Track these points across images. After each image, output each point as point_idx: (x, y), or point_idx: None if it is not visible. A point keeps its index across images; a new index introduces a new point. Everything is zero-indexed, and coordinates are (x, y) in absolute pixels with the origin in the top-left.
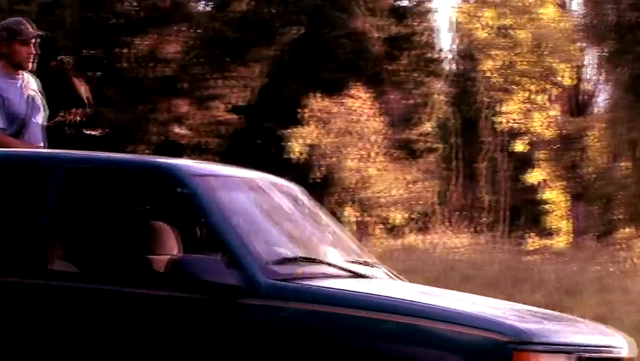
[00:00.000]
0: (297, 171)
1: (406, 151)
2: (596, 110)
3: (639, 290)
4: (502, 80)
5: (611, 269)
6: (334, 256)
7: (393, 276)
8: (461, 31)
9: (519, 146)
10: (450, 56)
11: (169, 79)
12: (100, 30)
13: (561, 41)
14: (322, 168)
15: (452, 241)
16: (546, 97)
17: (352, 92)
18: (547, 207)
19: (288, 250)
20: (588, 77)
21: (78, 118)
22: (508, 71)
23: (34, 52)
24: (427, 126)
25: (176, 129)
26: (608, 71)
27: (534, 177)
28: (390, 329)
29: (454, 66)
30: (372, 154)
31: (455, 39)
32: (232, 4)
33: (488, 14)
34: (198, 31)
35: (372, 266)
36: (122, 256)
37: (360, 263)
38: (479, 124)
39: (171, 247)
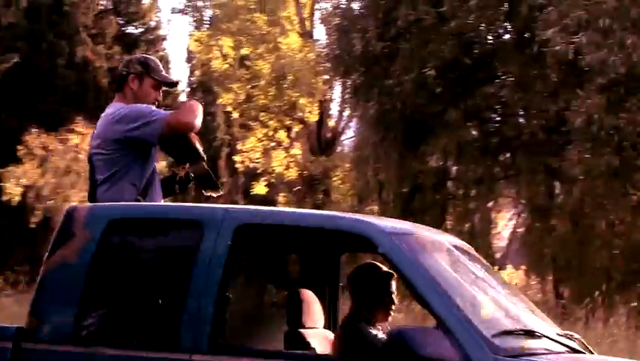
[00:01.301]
0: (13, 216)
1: None
2: (341, 149)
3: None
4: (241, 115)
5: None
6: (542, 326)
7: (591, 349)
8: (197, 61)
9: (259, 188)
10: (187, 89)
11: None
12: None
13: (304, 73)
14: (39, 212)
15: None
16: (288, 134)
17: (75, 127)
18: None
19: (498, 320)
20: (333, 112)
21: (192, 173)
22: (246, 106)
23: (160, 100)
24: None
25: None
26: (354, 106)
27: None
28: None
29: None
30: None
31: (191, 70)
32: None
33: (225, 43)
34: None
35: (570, 337)
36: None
37: (562, 334)
38: (217, 163)
39: (319, 318)
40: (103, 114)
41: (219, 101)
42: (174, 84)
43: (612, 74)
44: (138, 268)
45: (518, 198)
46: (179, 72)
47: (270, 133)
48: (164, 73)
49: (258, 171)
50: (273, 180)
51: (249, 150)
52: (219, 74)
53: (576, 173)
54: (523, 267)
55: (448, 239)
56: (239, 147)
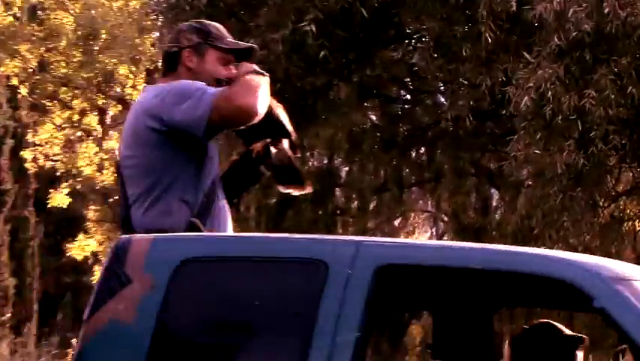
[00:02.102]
0: None
1: None
2: None
3: None
4: (33, 91)
5: None
6: None
7: None
8: None
9: (59, 197)
10: None
11: None
12: None
13: (125, 30)
14: None
15: None
16: (101, 119)
17: None
18: None
19: None
20: None
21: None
22: (40, 77)
23: (234, 76)
24: None
25: None
26: None
27: (84, 247)
28: None
29: None
30: None
31: None
32: None
33: None
34: None
35: None
36: None
37: None
38: None
39: None
40: (135, 102)
41: (0, 70)
42: (250, 52)
43: (574, 33)
44: (227, 330)
45: (438, 212)
46: None
47: (75, 117)
48: (231, 39)
49: (58, 173)
50: (79, 187)
51: (45, 143)
52: (1, 32)
53: (521, 176)
54: None
55: None
56: (29, 137)
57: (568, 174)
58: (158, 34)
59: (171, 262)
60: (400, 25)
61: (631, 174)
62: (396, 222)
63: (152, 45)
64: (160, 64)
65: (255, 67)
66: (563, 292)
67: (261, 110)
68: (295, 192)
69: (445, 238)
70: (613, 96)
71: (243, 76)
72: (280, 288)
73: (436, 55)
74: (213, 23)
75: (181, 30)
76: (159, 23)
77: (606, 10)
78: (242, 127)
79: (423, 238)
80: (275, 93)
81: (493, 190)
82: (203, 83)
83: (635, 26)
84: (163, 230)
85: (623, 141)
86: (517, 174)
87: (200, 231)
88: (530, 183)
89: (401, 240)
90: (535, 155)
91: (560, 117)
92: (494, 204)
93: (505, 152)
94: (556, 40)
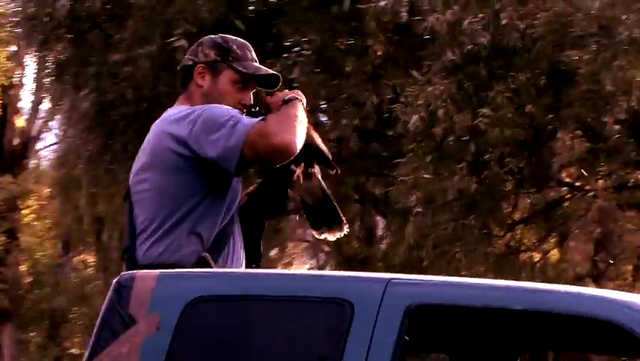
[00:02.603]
0: None
1: None
2: (36, 163)
3: None
4: None
5: None
6: None
7: None
8: None
9: None
10: None
11: None
12: None
13: None
14: None
15: None
16: None
17: None
18: None
19: None
20: (25, 105)
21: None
22: None
23: (250, 104)
24: None
25: None
26: (57, 95)
27: None
28: None
29: None
30: None
31: None
32: None
33: None
34: None
35: None
36: None
37: None
38: None
39: None
40: (155, 122)
41: None
42: (274, 80)
43: (468, 46)
44: None
45: (318, 242)
46: None
47: None
48: (255, 63)
49: None
50: None
51: None
52: None
53: (410, 203)
54: None
55: None
56: None
57: (460, 201)
58: (14, 47)
59: (180, 300)
60: (278, 38)
61: (528, 201)
62: (273, 253)
63: (8, 59)
64: (15, 80)
65: (288, 94)
66: (609, 335)
67: (299, 147)
68: (333, 237)
69: (326, 269)
70: (510, 115)
71: (278, 105)
72: (301, 330)
73: (317, 70)
74: (241, 41)
75: (202, 43)
76: (16, 35)
77: (504, 22)
78: (276, 165)
79: (303, 268)
80: (141, 113)
81: (378, 218)
82: (237, 111)
83: (535, 39)
84: (168, 264)
85: (520, 165)
86: (404, 200)
87: (211, 267)
88: (419, 210)
89: (434, 277)
90: (425, 179)
91: (451, 138)
92: (380, 233)
93: (392, 176)
94: (449, 54)
